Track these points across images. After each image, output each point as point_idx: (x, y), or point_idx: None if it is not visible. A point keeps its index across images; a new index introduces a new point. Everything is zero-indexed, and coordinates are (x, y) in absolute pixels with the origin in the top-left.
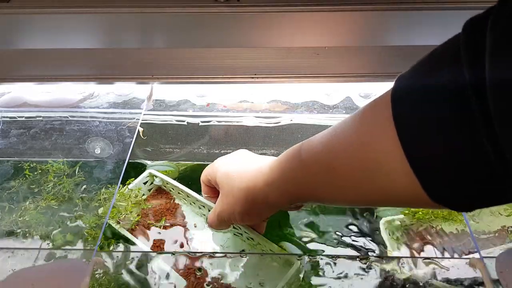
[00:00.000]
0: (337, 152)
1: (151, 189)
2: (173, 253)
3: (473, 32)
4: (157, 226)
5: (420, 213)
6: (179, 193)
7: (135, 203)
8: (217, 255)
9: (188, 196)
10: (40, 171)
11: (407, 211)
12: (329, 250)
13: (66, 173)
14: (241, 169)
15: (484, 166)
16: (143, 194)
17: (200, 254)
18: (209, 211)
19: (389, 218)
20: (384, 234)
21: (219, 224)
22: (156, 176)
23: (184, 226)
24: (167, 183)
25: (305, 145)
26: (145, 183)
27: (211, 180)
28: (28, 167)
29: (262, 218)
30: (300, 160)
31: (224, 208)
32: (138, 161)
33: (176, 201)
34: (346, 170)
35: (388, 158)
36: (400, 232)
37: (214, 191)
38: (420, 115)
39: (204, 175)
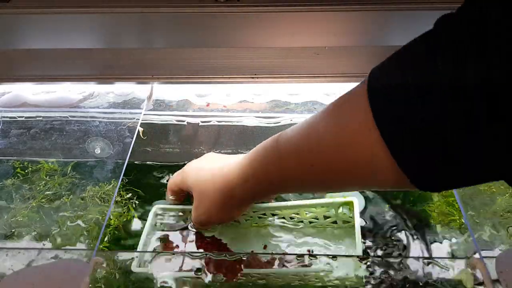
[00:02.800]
0: (316, 152)
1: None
2: (173, 253)
3: (449, 29)
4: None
5: None
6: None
7: None
8: (217, 257)
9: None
10: (39, 171)
11: None
12: None
13: (65, 173)
14: (213, 171)
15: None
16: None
17: (200, 254)
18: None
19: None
20: None
21: (201, 227)
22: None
23: None
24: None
25: (283, 140)
26: (155, 225)
27: (182, 187)
28: (28, 167)
29: (240, 213)
30: (279, 156)
31: (200, 212)
32: (138, 161)
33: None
34: (328, 170)
35: (373, 157)
36: None
37: (181, 197)
38: (400, 110)
39: (174, 183)
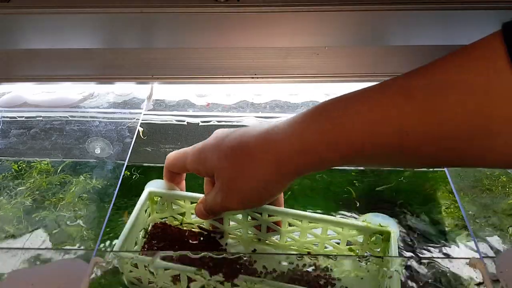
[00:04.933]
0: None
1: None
2: (173, 252)
3: None
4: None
5: None
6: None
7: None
8: (217, 256)
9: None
10: (37, 170)
11: None
12: None
13: (65, 173)
14: (249, 142)
15: None
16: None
17: (199, 255)
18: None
19: None
20: None
21: (214, 215)
22: (160, 197)
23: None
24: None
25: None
26: (145, 210)
27: (198, 170)
28: (27, 167)
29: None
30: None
31: (237, 194)
32: (138, 161)
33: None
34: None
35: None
36: None
37: (178, 178)
38: None
39: (180, 167)
